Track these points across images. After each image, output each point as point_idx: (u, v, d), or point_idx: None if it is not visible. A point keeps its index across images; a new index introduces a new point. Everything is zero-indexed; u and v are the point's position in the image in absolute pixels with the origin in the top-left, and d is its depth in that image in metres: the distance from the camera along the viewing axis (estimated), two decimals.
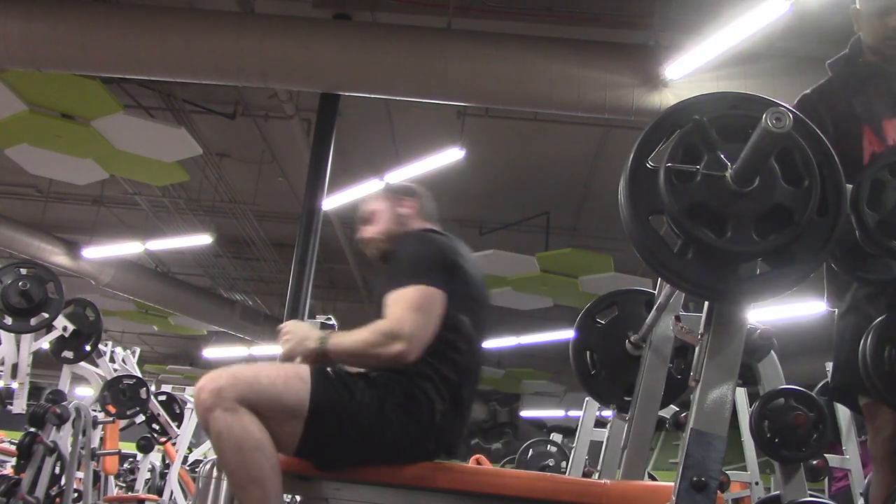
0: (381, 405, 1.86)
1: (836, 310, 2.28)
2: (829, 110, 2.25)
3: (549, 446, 5.72)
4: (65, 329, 4.60)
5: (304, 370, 1.86)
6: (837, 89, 2.31)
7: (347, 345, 1.91)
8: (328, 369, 1.90)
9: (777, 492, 3.08)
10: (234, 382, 1.77)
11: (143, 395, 5.14)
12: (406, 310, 1.87)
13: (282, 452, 1.85)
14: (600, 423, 4.02)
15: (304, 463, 1.88)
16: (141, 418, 5.40)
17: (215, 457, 1.85)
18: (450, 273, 1.97)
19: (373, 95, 6.05)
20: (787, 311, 8.68)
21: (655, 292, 2.29)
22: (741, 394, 4.17)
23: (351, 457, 1.86)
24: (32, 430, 4.26)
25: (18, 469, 4.22)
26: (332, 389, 1.85)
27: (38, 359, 4.82)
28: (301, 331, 1.98)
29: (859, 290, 2.15)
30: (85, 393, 8.00)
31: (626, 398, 2.41)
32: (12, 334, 4.49)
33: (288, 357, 1.97)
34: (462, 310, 1.98)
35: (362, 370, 1.94)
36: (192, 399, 6.52)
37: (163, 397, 6.06)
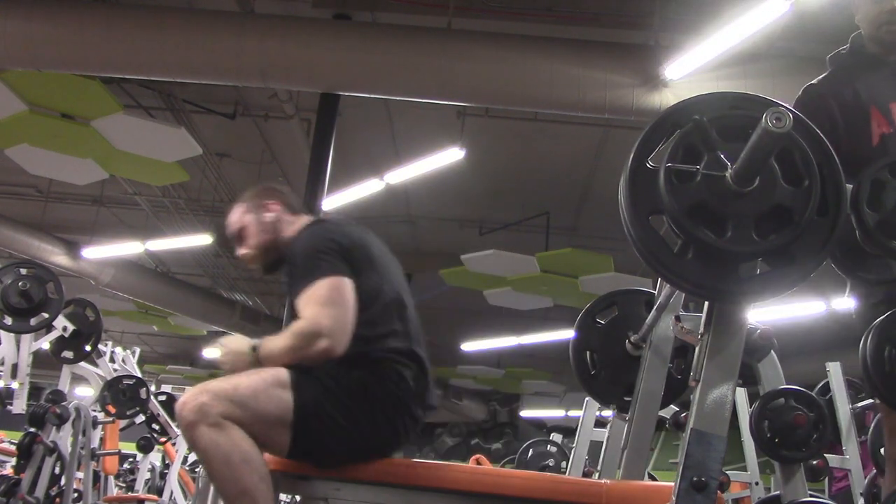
0: (364, 394, 1.89)
1: (862, 301, 2.23)
2: (835, 97, 2.26)
3: (549, 446, 5.71)
4: (65, 329, 4.60)
5: (284, 374, 1.87)
6: (841, 77, 2.32)
7: (276, 352, 1.93)
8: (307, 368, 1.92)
9: (777, 492, 3.08)
10: (216, 398, 1.78)
11: (143, 395, 5.14)
12: (318, 306, 1.88)
13: (274, 455, 1.87)
14: (600, 423, 4.02)
15: (303, 463, 1.89)
16: (141, 418, 5.40)
17: (203, 467, 1.85)
18: (346, 255, 1.98)
19: (373, 95, 6.05)
20: (787, 311, 8.69)
21: (655, 292, 2.29)
22: (741, 394, 4.16)
23: (345, 451, 1.87)
24: (32, 430, 4.27)
25: (18, 469, 4.22)
26: (314, 389, 1.87)
27: (38, 359, 4.82)
28: (234, 347, 1.99)
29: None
30: (85, 393, 8.00)
31: (626, 398, 2.40)
32: (12, 334, 4.49)
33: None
34: (376, 281, 2.01)
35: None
36: None
37: (163, 397, 6.06)
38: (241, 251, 2.24)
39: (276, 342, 1.94)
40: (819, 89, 2.31)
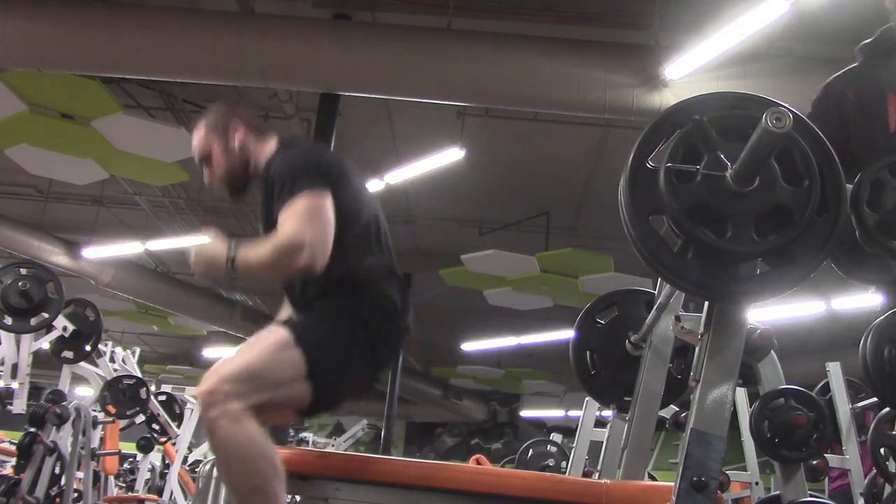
0: (358, 321, 1.94)
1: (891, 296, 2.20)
2: (853, 84, 2.23)
3: (549, 446, 5.72)
4: (65, 329, 4.60)
5: (284, 336, 1.88)
6: (863, 65, 2.30)
7: (254, 265, 1.94)
8: (296, 318, 1.96)
9: (777, 492, 3.08)
10: (235, 383, 1.77)
11: (143, 395, 5.15)
12: (300, 221, 1.90)
13: (299, 411, 1.92)
14: (600, 423, 4.02)
15: (303, 463, 1.89)
16: (141, 418, 5.40)
17: (216, 461, 1.85)
18: (326, 174, 2.01)
19: (373, 95, 6.05)
20: (787, 311, 8.69)
21: (655, 292, 2.29)
22: (741, 394, 4.16)
23: (358, 377, 1.95)
24: (32, 430, 4.27)
25: (18, 469, 4.22)
26: (314, 335, 1.90)
27: (38, 359, 4.82)
28: (210, 256, 1.98)
29: None
30: (85, 393, 8.00)
31: (626, 398, 2.40)
32: (12, 334, 4.49)
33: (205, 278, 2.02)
34: (354, 200, 2.06)
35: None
36: (192, 399, 6.54)
37: (163, 397, 6.06)
38: (209, 177, 2.23)
39: (256, 255, 1.93)
40: (836, 83, 2.28)
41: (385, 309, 2.00)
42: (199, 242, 2.02)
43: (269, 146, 2.19)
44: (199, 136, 2.24)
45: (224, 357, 1.90)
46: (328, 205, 1.94)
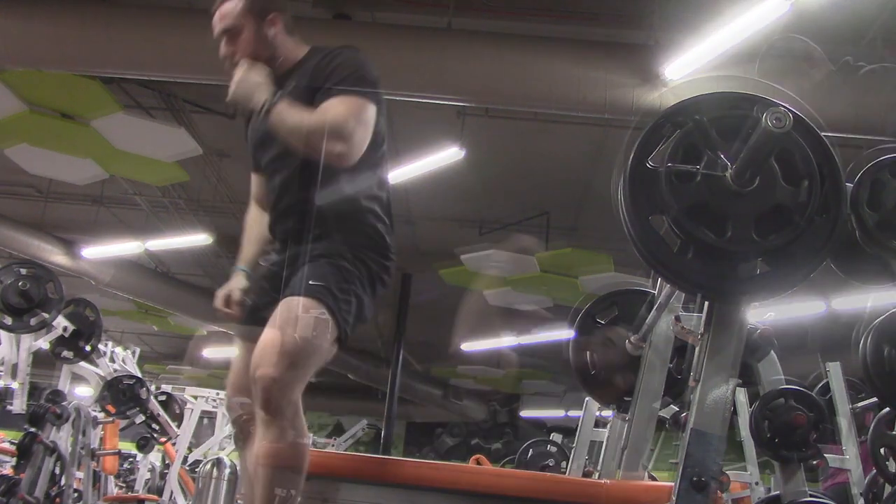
0: (365, 267, 1.99)
1: None
2: None
3: (549, 446, 5.72)
4: (64, 329, 4.60)
5: (316, 307, 1.88)
6: None
7: (288, 124, 1.96)
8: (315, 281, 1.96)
9: (777, 492, 3.08)
10: (296, 374, 1.80)
11: (143, 395, 5.15)
12: (354, 115, 1.95)
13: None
14: (600, 423, 4.02)
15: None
16: (141, 418, 5.40)
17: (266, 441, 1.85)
18: (378, 92, 2.07)
19: None
20: (787, 311, 8.69)
21: (655, 292, 2.29)
22: (741, 394, 4.16)
23: (366, 315, 2.01)
24: (32, 430, 4.27)
25: (18, 469, 4.22)
26: (339, 297, 1.92)
27: (38, 359, 4.82)
28: (250, 87, 2.00)
29: None
30: (85, 393, 8.00)
31: (626, 398, 2.40)
32: (12, 334, 4.49)
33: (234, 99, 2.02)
34: (383, 125, 2.11)
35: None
36: (192, 399, 6.53)
37: (163, 397, 6.06)
38: (227, 52, 2.14)
39: (296, 116, 1.95)
40: None
41: (379, 248, 2.05)
42: (245, 72, 2.01)
43: (300, 50, 2.19)
44: (232, 8, 2.12)
45: (268, 336, 1.87)
46: (374, 118, 2.01)
